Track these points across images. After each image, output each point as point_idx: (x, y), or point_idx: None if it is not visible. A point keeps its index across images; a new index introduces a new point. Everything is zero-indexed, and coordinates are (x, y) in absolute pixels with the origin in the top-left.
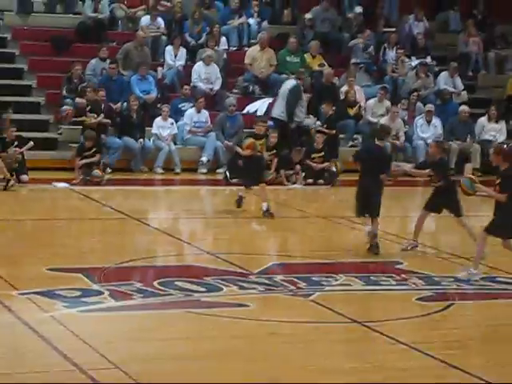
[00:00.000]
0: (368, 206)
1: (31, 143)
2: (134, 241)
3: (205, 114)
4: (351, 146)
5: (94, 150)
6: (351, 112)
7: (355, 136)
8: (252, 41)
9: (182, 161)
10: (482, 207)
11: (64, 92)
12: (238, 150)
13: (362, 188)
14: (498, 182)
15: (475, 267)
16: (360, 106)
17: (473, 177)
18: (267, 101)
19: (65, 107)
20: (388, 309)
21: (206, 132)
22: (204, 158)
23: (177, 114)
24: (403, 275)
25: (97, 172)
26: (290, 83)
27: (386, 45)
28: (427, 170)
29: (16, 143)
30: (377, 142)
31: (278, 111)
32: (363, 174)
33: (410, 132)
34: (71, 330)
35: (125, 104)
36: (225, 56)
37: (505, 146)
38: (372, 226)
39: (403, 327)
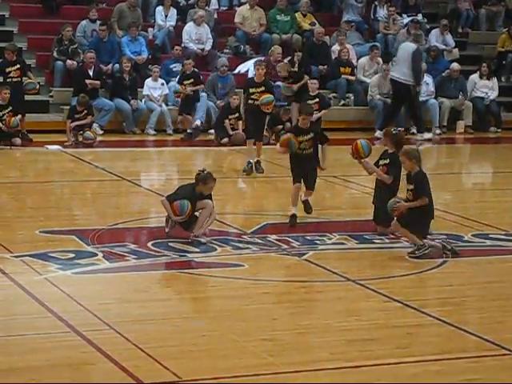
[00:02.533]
0: None
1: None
2: (127, 202)
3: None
4: (343, 105)
5: (86, 112)
6: (344, 71)
7: (347, 95)
8: (242, 0)
9: (174, 121)
10: None
11: (55, 54)
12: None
13: None
14: (384, 162)
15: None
16: (353, 67)
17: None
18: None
19: None
20: (382, 267)
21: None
22: (198, 122)
23: (168, 75)
24: (396, 233)
25: (89, 134)
26: (410, 47)
27: (376, 3)
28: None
29: (11, 108)
30: None
31: (400, 74)
32: None
33: None
34: (65, 291)
35: (116, 66)
36: (215, 16)
37: (393, 130)
38: None
39: (397, 285)
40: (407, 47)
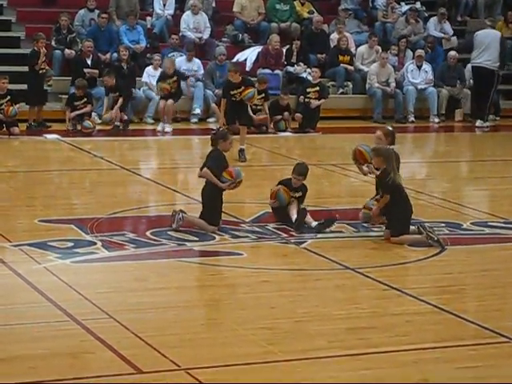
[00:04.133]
0: None
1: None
2: (125, 191)
3: (196, 62)
4: (342, 94)
5: (85, 100)
6: (343, 60)
7: (346, 83)
8: None
9: (173, 111)
10: None
11: (53, 43)
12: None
13: None
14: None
15: None
16: (352, 55)
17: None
18: (257, 49)
19: None
20: (380, 255)
21: (196, 80)
22: (198, 110)
23: None
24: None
25: (88, 123)
26: (496, 33)
27: None
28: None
29: (9, 97)
30: None
31: (489, 61)
32: None
33: (400, 78)
34: (64, 280)
35: (114, 55)
36: (213, 4)
37: (391, 127)
38: None
39: (396, 273)
40: (494, 34)
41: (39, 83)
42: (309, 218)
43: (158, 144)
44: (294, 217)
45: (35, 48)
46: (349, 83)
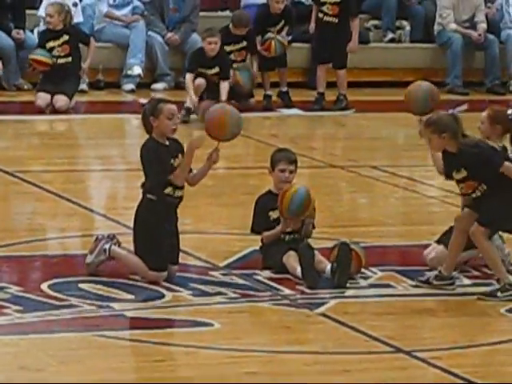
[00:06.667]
0: None
1: None
2: (6, 210)
3: None
4: (392, 41)
5: None
6: None
7: (399, 23)
8: None
9: (92, 69)
10: None
11: None
12: None
13: None
14: None
15: None
16: None
17: None
18: None
19: None
20: (456, 328)
21: (131, 22)
22: (136, 69)
23: None
24: (486, 268)
25: None
26: None
27: None
28: None
29: None
30: None
31: None
32: None
33: (494, 16)
34: None
35: None
36: None
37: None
38: None
39: (484, 360)
40: None
41: None
42: (321, 261)
43: (60, 128)
44: (298, 270)
45: None
46: (404, 23)
